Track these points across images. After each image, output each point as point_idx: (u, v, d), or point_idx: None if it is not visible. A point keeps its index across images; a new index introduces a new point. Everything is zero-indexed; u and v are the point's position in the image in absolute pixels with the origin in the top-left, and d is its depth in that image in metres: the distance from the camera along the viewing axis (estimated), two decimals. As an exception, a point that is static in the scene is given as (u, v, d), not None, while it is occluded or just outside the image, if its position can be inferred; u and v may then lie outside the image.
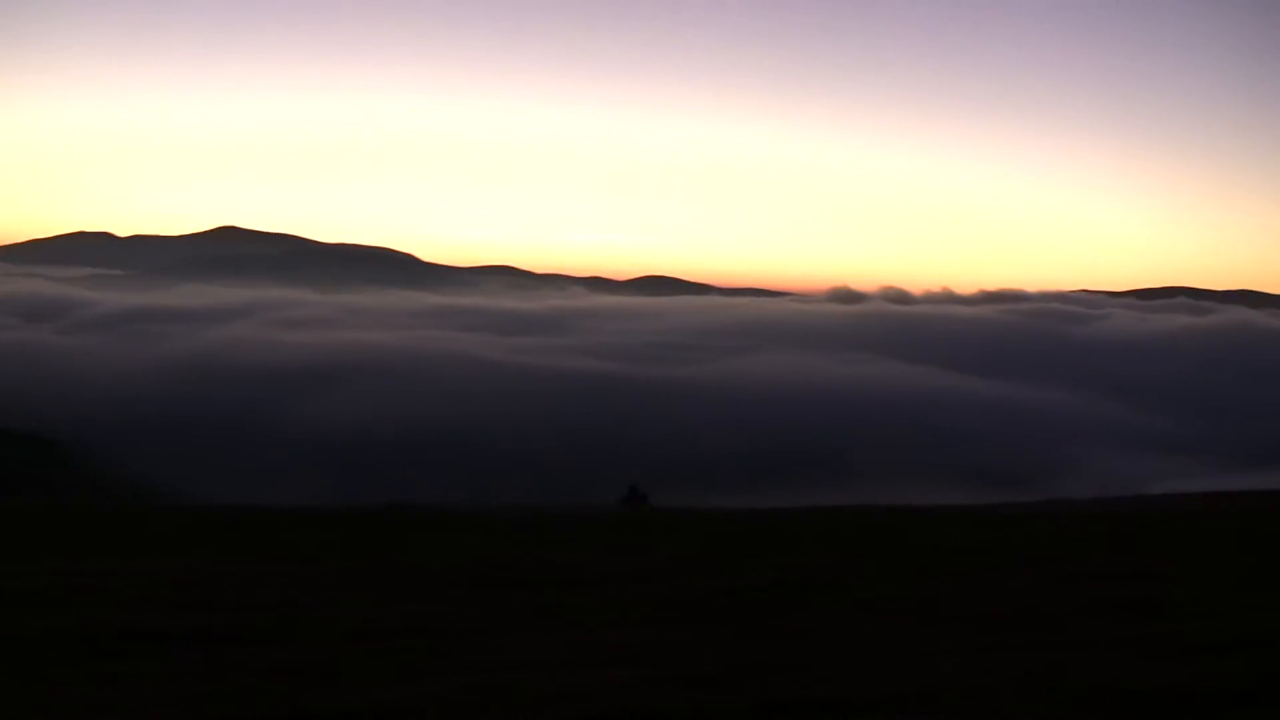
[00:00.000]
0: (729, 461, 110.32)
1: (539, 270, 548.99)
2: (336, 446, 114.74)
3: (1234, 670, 10.76)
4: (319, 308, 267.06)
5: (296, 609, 14.39)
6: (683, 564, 20.18)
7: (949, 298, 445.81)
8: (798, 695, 9.80)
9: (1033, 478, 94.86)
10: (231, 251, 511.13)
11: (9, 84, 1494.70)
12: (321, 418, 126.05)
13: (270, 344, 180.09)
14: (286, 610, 14.22)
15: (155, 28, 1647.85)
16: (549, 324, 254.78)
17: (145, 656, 11.76)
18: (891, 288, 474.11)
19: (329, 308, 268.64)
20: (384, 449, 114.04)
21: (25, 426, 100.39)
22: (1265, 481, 44.59)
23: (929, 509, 29.89)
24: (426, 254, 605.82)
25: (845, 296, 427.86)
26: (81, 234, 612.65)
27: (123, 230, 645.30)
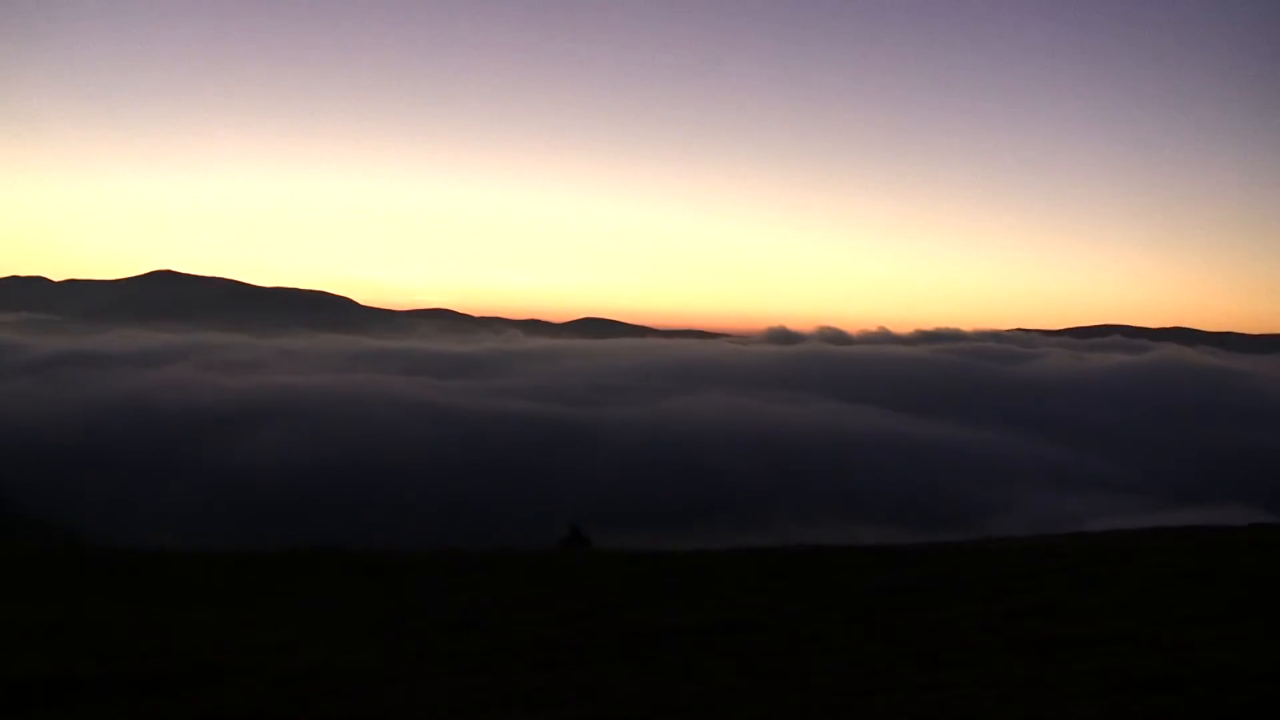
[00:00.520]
0: (665, 502, 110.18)
1: (476, 313, 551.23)
2: (271, 489, 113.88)
3: (1167, 707, 10.62)
4: (255, 351, 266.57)
5: (210, 653, 13.92)
6: (604, 605, 19.76)
7: (885, 337, 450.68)
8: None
9: (968, 516, 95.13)
10: (168, 295, 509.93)
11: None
12: (256, 461, 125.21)
13: (205, 387, 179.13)
14: (200, 655, 13.76)
15: (87, 70, 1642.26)
16: (486, 366, 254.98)
17: (51, 704, 11.50)
18: (828, 328, 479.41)
19: (265, 351, 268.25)
20: (320, 492, 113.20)
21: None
22: (1199, 518, 44.68)
23: (858, 549, 29.57)
24: (363, 297, 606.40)
25: (782, 337, 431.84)
26: (15, 278, 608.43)
27: (57, 274, 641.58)
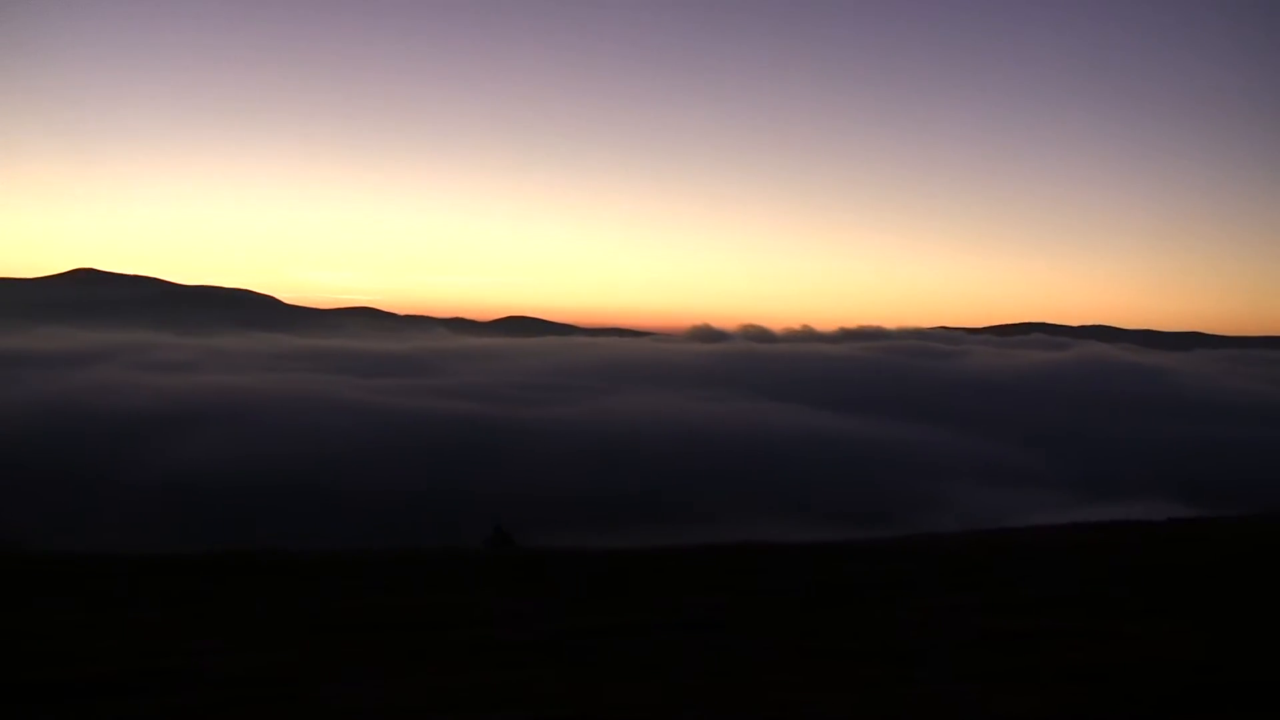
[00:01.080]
0: (592, 501, 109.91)
1: (401, 311, 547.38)
2: (197, 491, 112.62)
3: (1093, 698, 10.93)
4: (180, 350, 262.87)
5: (144, 659, 13.86)
6: (534, 605, 19.81)
7: (810, 335, 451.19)
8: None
9: (895, 514, 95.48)
10: (89, 294, 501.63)
11: None
12: (183, 462, 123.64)
13: (130, 387, 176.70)
14: (135, 661, 13.69)
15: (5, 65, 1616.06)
16: (413, 365, 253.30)
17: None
18: (752, 326, 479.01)
19: (190, 350, 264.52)
20: (246, 493, 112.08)
21: None
22: (1121, 512, 45.35)
23: (786, 546, 29.76)
24: (288, 295, 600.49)
25: (707, 335, 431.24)
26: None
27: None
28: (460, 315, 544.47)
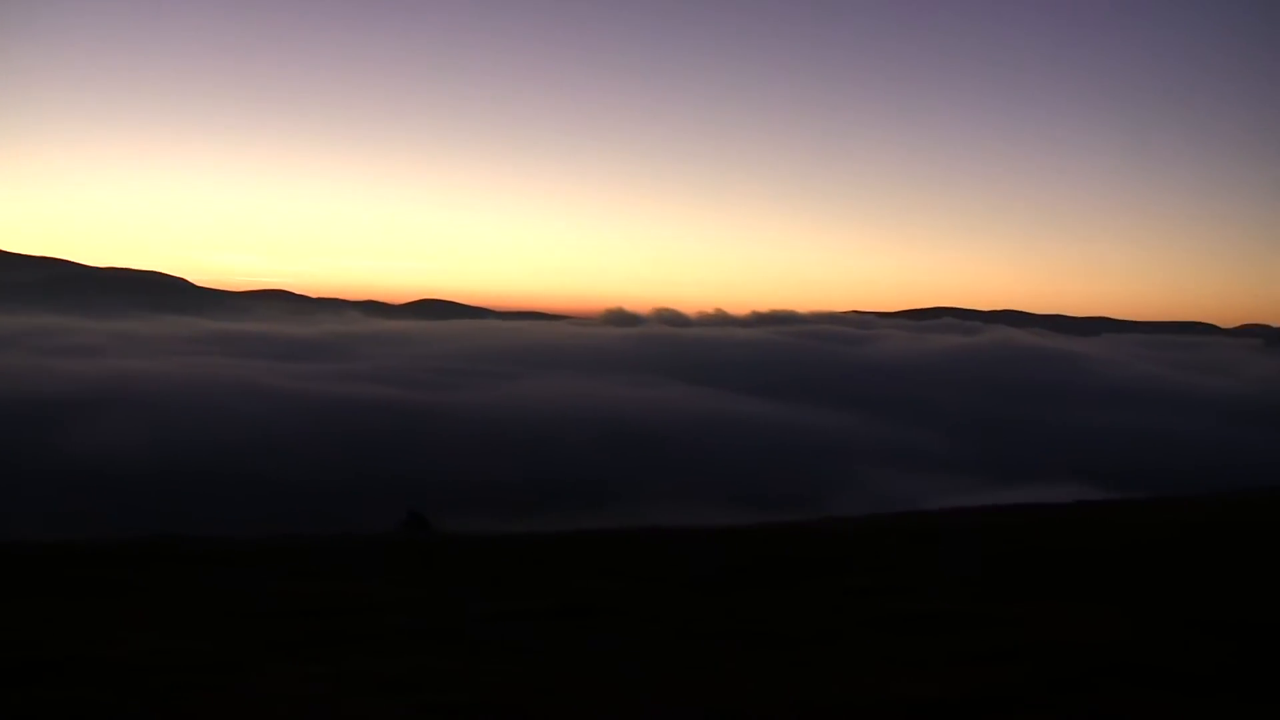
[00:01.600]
0: (505, 486, 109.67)
1: (313, 294, 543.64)
2: (107, 478, 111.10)
3: (1000, 679, 10.95)
4: (88, 334, 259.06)
5: (60, 647, 13.68)
6: (446, 590, 19.76)
7: (723, 319, 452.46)
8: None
9: (807, 498, 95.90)
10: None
11: None
12: (92, 448, 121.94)
13: (37, 372, 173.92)
14: (49, 649, 13.51)
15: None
16: (326, 349, 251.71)
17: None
18: (666, 309, 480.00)
19: (99, 334, 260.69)
20: (157, 479, 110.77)
21: None
22: (1028, 496, 45.91)
23: (697, 529, 29.91)
24: (198, 278, 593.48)
25: (621, 319, 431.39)
26: None
27: None
28: (372, 298, 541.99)
